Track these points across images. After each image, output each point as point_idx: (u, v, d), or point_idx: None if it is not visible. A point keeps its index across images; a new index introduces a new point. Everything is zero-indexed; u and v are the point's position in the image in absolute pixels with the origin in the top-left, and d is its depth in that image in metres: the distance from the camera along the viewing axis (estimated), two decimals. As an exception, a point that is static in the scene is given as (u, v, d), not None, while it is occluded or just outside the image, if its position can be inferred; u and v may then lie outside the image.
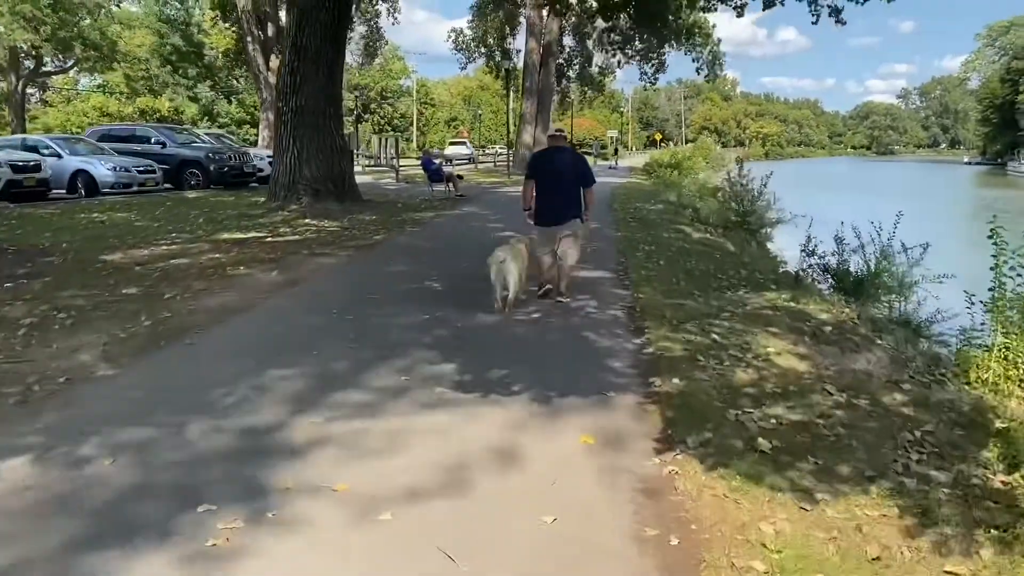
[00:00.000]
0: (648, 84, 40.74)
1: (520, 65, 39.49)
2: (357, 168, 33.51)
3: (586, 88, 45.62)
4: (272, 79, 50.72)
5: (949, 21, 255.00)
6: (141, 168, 18.52)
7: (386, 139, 33.20)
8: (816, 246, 10.97)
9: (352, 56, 70.68)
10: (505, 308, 7.29)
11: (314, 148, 16.77)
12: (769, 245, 17.81)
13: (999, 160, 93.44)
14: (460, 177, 21.18)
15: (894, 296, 9.83)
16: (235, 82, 65.13)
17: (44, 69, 46.19)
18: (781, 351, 5.86)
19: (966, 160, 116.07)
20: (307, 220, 14.89)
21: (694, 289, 8.52)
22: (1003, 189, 57.65)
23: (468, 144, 58.45)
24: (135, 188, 18.13)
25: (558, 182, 7.74)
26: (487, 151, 55.18)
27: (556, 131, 9.01)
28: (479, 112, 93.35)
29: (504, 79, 34.20)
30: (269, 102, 51.06)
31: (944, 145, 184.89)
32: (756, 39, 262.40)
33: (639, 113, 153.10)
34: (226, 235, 12.47)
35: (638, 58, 40.28)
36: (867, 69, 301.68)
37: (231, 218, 14.90)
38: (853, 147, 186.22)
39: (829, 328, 6.77)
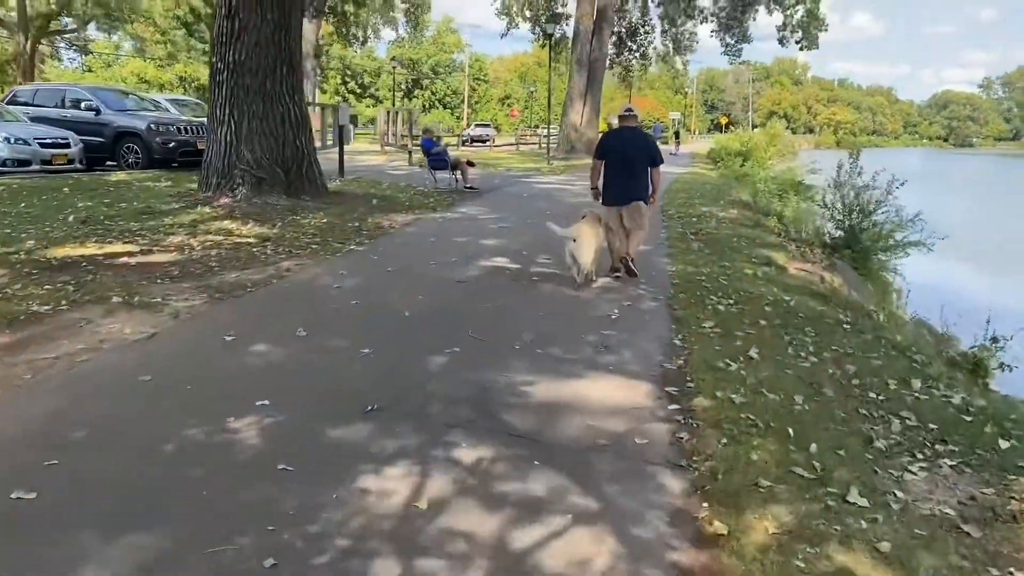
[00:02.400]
0: (731, 57, 35.06)
1: (570, 33, 34.36)
2: (375, 149, 29.21)
3: (646, 64, 40.06)
4: (304, 45, 46.95)
5: None
6: (48, 141, 14.16)
7: (395, 113, 28.17)
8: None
9: (402, 27, 66.81)
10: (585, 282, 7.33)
11: (257, 122, 12.20)
12: (890, 278, 12.75)
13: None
14: (471, 164, 16.43)
15: None
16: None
17: (52, 28, 42.61)
18: None
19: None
20: (227, 223, 10.45)
21: (851, 456, 3.68)
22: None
23: (492, 126, 59.58)
24: (36, 166, 13.80)
25: (628, 162, 7.76)
26: (539, 132, 50.08)
27: (627, 110, 8.29)
28: (532, 90, 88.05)
29: (548, 47, 29.13)
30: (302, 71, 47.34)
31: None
32: (829, 24, 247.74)
33: (704, 95, 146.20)
34: (67, 249, 8.04)
35: (718, 25, 34.55)
36: (944, 58, 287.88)
37: (125, 216, 10.48)
38: (929, 138, 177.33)
39: None
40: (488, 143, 39.47)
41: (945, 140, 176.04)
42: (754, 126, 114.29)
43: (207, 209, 11.37)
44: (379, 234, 10.02)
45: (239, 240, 9.25)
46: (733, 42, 34.27)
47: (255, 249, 8.72)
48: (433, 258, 8.44)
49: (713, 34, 35.17)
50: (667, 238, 10.74)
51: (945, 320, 9.07)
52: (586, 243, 7.26)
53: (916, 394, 4.82)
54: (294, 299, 6.51)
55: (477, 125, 62.09)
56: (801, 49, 32.18)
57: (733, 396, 4.40)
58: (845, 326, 6.48)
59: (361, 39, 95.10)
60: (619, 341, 5.50)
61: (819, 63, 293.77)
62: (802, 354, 5.45)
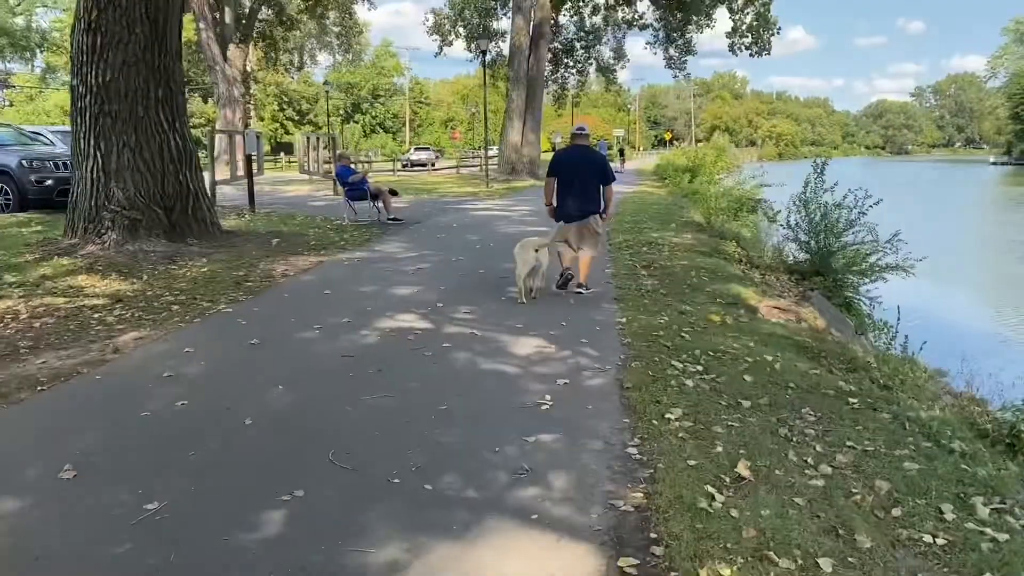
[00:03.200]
0: (675, 71, 33.77)
1: (507, 51, 32.94)
2: (303, 178, 27.16)
3: (583, 80, 38.76)
4: (230, 71, 44.71)
5: (959, 21, 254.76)
6: None
7: (316, 138, 25.87)
8: None
9: (338, 51, 64.96)
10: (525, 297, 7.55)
11: (129, 154, 10.31)
12: (867, 308, 11.32)
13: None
14: (394, 192, 14.65)
15: None
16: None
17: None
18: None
19: (992, 160, 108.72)
20: (84, 277, 8.61)
21: None
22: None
23: (431, 150, 59.45)
24: None
25: (580, 179, 7.93)
26: (484, 154, 48.49)
27: (579, 129, 8.44)
28: (474, 111, 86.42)
29: (483, 64, 27.51)
30: (227, 97, 45.05)
31: (959, 144, 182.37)
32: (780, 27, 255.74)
33: (646, 112, 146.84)
34: None
35: (661, 36, 33.31)
36: (875, 69, 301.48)
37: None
38: (867, 147, 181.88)
39: None
40: (427, 167, 37.70)
41: (882, 148, 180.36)
42: (697, 141, 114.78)
43: (65, 260, 9.44)
44: (265, 287, 8.18)
45: (85, 302, 7.38)
46: (677, 55, 33.18)
47: (98, 315, 6.85)
48: (320, 319, 6.66)
49: (652, 47, 34.12)
50: (614, 275, 9.11)
51: (969, 375, 7.59)
52: (520, 260, 7.52)
53: (985, 526, 3.22)
54: (97, 401, 4.66)
55: (417, 149, 60.62)
56: (752, 55, 31.11)
57: (727, 573, 2.72)
58: (851, 400, 4.87)
59: (297, 64, 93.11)
60: (548, 457, 3.79)
61: (757, 77, 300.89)
62: (809, 460, 3.81)
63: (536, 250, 7.52)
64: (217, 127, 45.68)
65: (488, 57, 35.11)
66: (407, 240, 12.11)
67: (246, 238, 11.58)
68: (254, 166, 16.97)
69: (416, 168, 40.83)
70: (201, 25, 42.72)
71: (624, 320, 6.80)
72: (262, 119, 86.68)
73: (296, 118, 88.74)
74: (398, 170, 36.47)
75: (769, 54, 30.83)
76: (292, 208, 17.13)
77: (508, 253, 8.19)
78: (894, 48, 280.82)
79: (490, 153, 39.48)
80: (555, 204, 8.13)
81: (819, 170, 12.23)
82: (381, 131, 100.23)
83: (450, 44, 34.50)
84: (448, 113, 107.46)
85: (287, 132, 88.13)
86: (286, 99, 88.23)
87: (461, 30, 33.81)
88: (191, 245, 10.47)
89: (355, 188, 14.03)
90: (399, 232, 13.13)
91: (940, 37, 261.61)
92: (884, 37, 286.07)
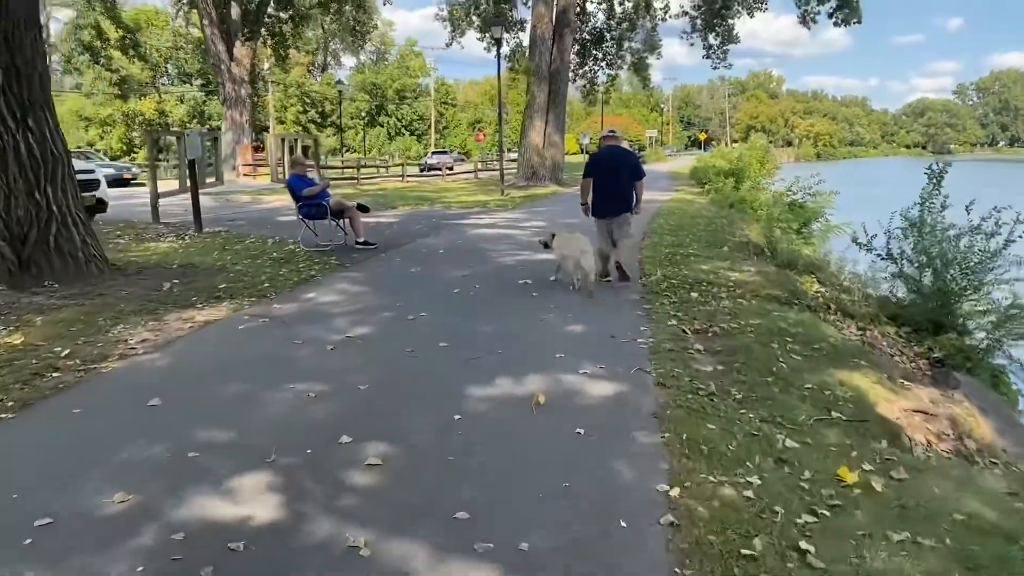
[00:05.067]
0: (715, 62, 29.77)
1: (527, 42, 29.54)
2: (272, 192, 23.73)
3: (613, 75, 35.09)
4: (236, 70, 41.94)
5: (999, 17, 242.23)
6: None
7: (288, 140, 22.11)
8: None
9: (355, 49, 62.15)
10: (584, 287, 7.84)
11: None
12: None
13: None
14: (363, 209, 11.33)
15: None
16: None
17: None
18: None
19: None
20: None
21: None
22: None
23: (449, 154, 57.03)
24: None
25: (615, 179, 8.37)
26: (500, 157, 45.42)
27: (610, 131, 8.98)
28: (503, 112, 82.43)
29: (498, 55, 24.06)
30: (233, 98, 42.27)
31: (1003, 143, 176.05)
32: (800, 39, 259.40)
33: (680, 112, 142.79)
34: None
35: (700, 22, 29.48)
36: (912, 67, 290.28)
37: None
38: (907, 146, 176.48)
39: None
40: (442, 172, 34.46)
41: (923, 148, 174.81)
42: (733, 141, 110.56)
43: None
44: (72, 382, 4.95)
45: None
46: (717, 44, 29.40)
47: None
48: (69, 493, 3.41)
49: (689, 36, 30.43)
50: (653, 349, 5.75)
51: None
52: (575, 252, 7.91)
53: None
54: None
55: (434, 153, 57.57)
56: (837, 24, 26.37)
57: None
58: None
59: (320, 65, 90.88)
60: None
61: (791, 77, 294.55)
62: None
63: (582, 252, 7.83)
64: (223, 128, 43.03)
65: (506, 49, 31.78)
66: (364, 279, 8.83)
67: (137, 277, 8.39)
68: (207, 174, 13.79)
69: (433, 172, 37.61)
70: (205, 21, 40.02)
71: (673, 492, 3.44)
72: (283, 121, 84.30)
73: (318, 120, 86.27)
74: (409, 175, 33.25)
75: (860, 21, 26.22)
76: (252, 226, 13.97)
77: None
78: (932, 46, 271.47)
79: (513, 156, 36.21)
80: (590, 203, 8.61)
81: (936, 179, 8.73)
82: (407, 133, 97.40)
83: (463, 34, 31.18)
84: (476, 115, 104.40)
85: (309, 134, 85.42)
86: (308, 100, 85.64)
87: (475, 19, 30.42)
88: (38, 293, 7.29)
89: (312, 204, 10.79)
90: (362, 264, 9.87)
91: (979, 34, 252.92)
92: (921, 35, 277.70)
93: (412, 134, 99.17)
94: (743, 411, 4.54)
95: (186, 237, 12.17)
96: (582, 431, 4.14)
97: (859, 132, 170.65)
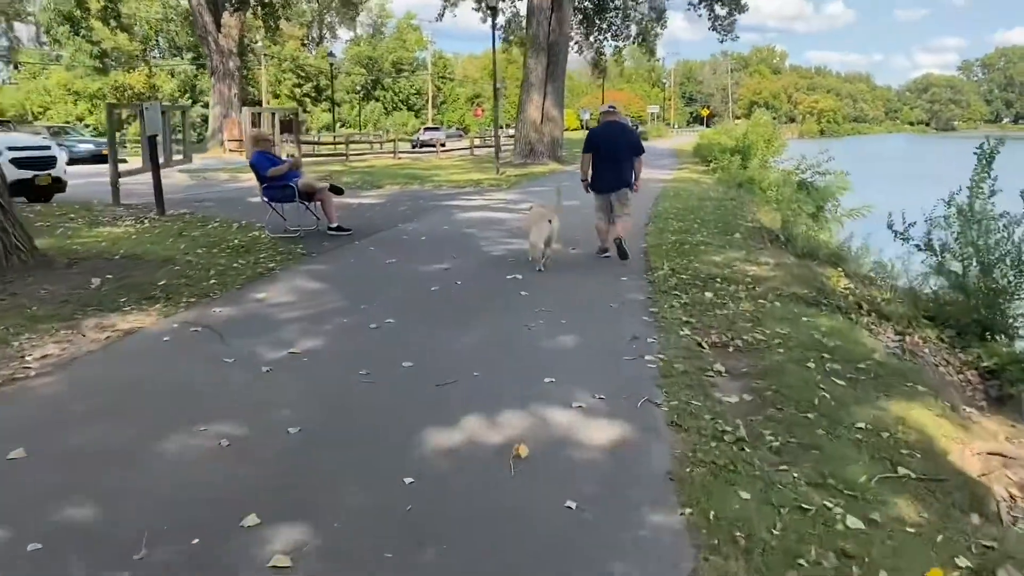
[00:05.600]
0: (722, 33, 28.33)
1: (524, 11, 28.18)
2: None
3: (620, 46, 33.64)
4: (224, 42, 40.45)
5: None
6: None
7: (267, 115, 20.32)
8: None
9: (362, 26, 60.45)
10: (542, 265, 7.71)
11: None
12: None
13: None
14: (338, 191, 10.18)
15: None
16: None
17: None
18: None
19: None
20: None
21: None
22: None
23: (442, 129, 55.02)
24: None
25: (615, 153, 8.34)
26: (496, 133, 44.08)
27: (610, 107, 8.91)
28: (499, 86, 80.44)
29: (492, 23, 22.64)
30: (221, 71, 40.83)
31: (1008, 120, 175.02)
32: (803, 14, 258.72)
33: (681, 88, 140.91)
34: None
35: None
36: (916, 42, 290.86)
37: None
38: (911, 123, 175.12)
39: None
40: (436, 149, 33.19)
41: (927, 125, 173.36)
42: (736, 117, 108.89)
43: None
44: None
45: None
46: (725, 13, 28.02)
47: None
48: None
49: (696, 8, 29.05)
50: (663, 370, 4.69)
51: None
52: (534, 228, 7.68)
53: None
54: None
55: (427, 129, 56.10)
56: None
57: None
58: None
59: (316, 39, 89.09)
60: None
61: (794, 52, 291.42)
62: None
63: (550, 221, 7.62)
64: (211, 103, 41.63)
65: (503, 19, 30.41)
66: (329, 274, 7.74)
67: (66, 272, 7.31)
68: (168, 151, 12.64)
69: (427, 149, 36.34)
70: (190, -11, 38.61)
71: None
72: (277, 95, 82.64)
73: (314, 95, 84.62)
74: (403, 151, 32.02)
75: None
76: (220, 208, 12.87)
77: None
78: (935, 21, 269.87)
79: (512, 133, 34.89)
80: (590, 177, 8.56)
81: (986, 160, 7.62)
82: (404, 108, 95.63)
83: (455, 3, 29.69)
84: (475, 89, 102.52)
85: (305, 110, 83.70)
86: (303, 74, 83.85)
87: (470, -14, 28.99)
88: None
89: (277, 186, 9.68)
90: (331, 253, 8.78)
91: (985, 9, 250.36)
92: (926, 10, 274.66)
93: (410, 109, 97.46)
94: (783, 467, 3.48)
95: (145, 221, 11.07)
96: (574, 505, 3.08)
97: (863, 108, 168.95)
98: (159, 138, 11.87)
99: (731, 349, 5.23)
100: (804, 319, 6.05)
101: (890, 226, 8.24)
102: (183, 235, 9.74)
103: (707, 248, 9.13)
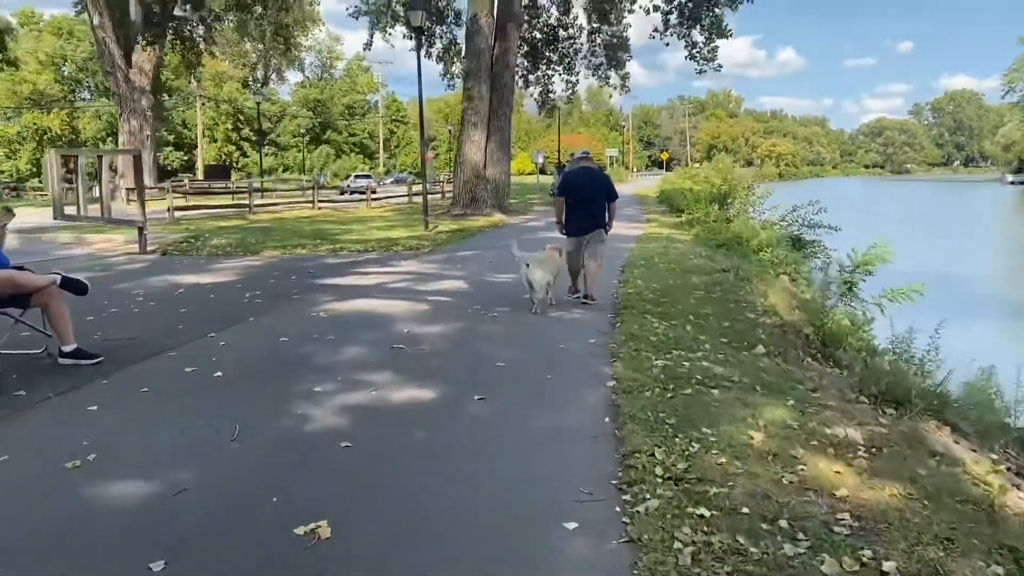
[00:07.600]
0: (700, 64, 24.47)
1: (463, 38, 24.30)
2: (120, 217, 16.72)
3: (572, 82, 29.79)
4: (134, 77, 35.83)
5: (948, 41, 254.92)
6: None
7: (80, 159, 15.01)
8: None
9: (311, 68, 56.36)
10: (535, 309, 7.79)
11: None
12: None
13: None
14: (77, 288, 5.87)
15: None
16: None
17: None
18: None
19: (1010, 179, 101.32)
20: None
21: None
22: None
23: (373, 178, 54.40)
24: None
25: (589, 198, 8.50)
26: (417, 181, 40.13)
27: (584, 153, 9.26)
28: (450, 128, 76.58)
29: (417, 49, 18.54)
30: (131, 108, 36.06)
31: (958, 163, 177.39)
32: (756, 61, 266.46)
33: (639, 131, 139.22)
34: None
35: (687, 10, 24.29)
36: (865, 88, 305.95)
37: None
38: (866, 166, 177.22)
39: None
40: (367, 197, 28.93)
41: (881, 167, 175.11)
42: (694, 161, 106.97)
43: None
44: None
45: None
46: (703, 40, 24.33)
47: None
48: None
49: (662, 35, 25.46)
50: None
51: None
52: (541, 272, 7.72)
53: None
54: None
55: (357, 176, 52.76)
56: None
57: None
58: None
59: (261, 80, 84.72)
60: None
61: (749, 97, 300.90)
62: None
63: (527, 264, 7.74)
64: (121, 143, 36.90)
65: (440, 45, 26.43)
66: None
67: None
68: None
69: (357, 196, 32.17)
70: (96, 20, 34.17)
71: None
72: (215, 140, 78.00)
73: (254, 138, 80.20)
74: (323, 200, 27.72)
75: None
76: None
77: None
78: (883, 68, 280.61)
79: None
80: (564, 222, 8.63)
81: None
82: (356, 152, 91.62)
83: (385, 29, 25.61)
84: (430, 133, 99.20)
85: (244, 154, 79.12)
86: (242, 118, 79.31)
87: (400, 9, 24.85)
88: None
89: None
90: (40, 413, 4.43)
91: (929, 57, 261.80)
92: (873, 58, 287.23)
93: (363, 153, 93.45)
94: None
95: None
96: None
97: (819, 152, 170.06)
98: None
99: None
100: None
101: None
102: None
103: (722, 391, 4.95)
